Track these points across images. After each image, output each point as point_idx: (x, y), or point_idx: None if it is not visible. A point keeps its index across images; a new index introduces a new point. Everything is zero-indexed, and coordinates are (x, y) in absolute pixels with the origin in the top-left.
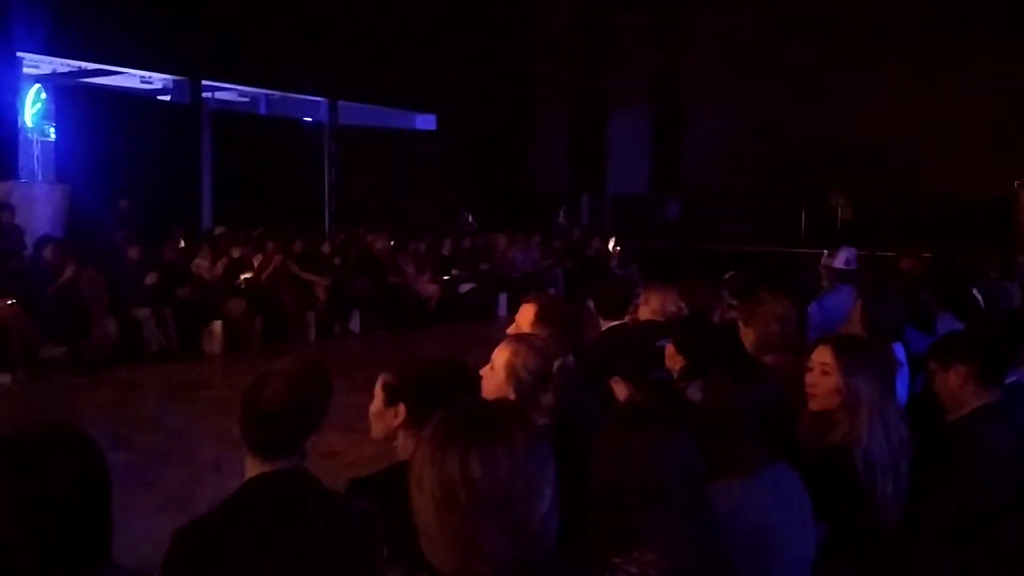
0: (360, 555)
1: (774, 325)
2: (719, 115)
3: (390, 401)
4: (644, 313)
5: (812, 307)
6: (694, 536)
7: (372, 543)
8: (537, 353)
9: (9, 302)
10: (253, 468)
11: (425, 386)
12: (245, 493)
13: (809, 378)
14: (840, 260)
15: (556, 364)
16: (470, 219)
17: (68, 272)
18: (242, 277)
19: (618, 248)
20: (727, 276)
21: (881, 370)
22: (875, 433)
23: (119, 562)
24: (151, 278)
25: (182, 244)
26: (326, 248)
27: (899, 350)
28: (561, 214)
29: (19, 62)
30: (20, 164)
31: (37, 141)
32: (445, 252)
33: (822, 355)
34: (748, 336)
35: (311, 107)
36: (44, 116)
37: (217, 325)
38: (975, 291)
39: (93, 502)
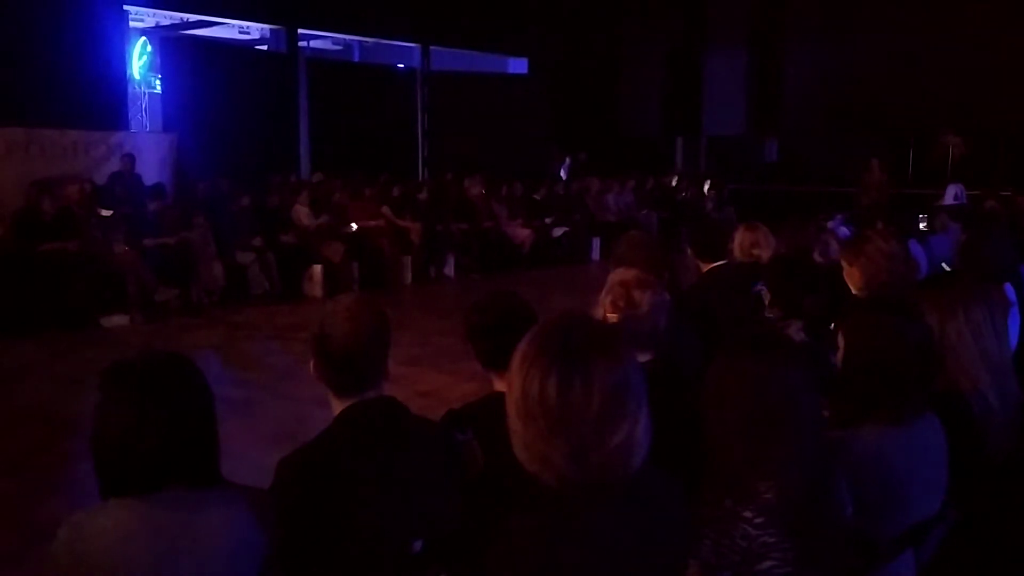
0: (453, 480)
1: (881, 263)
2: (821, 49)
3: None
4: (736, 254)
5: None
6: (810, 469)
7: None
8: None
9: (125, 248)
10: (340, 406)
11: (478, 324)
12: (344, 419)
13: None
14: (949, 196)
15: (653, 302)
16: (568, 162)
17: (198, 221)
18: (349, 226)
19: (713, 191)
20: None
21: (968, 311)
22: (978, 376)
23: None
24: (257, 241)
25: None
26: (423, 194)
27: (1009, 291)
28: (564, 164)
29: (126, 15)
30: (130, 115)
31: (144, 92)
32: (538, 197)
33: None
34: (853, 276)
35: (403, 53)
36: (150, 68)
37: (317, 270)
38: None
39: (203, 423)
